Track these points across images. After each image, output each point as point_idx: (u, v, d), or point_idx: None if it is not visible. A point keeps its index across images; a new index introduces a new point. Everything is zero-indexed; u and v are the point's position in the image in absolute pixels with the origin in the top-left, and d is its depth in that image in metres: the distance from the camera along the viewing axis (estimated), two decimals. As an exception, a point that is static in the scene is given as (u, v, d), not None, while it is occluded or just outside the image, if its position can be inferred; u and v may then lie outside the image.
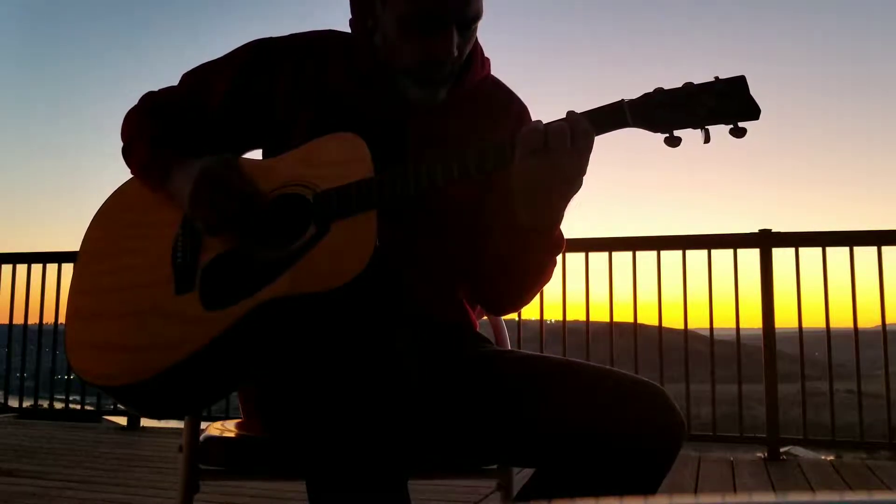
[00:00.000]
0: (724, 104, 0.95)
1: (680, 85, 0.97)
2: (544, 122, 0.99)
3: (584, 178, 0.99)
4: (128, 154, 1.20)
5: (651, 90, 0.98)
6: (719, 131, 0.96)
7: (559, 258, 1.17)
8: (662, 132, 0.97)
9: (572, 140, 0.96)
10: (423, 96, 1.14)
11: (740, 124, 0.95)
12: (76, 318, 1.12)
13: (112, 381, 1.04)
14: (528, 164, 0.98)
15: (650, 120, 0.97)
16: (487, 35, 1.26)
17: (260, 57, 1.21)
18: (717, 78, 0.96)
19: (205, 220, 1.06)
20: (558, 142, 0.96)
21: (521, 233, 1.07)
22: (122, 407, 4.62)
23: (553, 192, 1.01)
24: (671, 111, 0.96)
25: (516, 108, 1.24)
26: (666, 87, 0.98)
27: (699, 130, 0.96)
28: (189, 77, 1.24)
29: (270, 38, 1.24)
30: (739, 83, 0.95)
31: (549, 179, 0.99)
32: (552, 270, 1.16)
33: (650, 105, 0.97)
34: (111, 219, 1.19)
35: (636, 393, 0.99)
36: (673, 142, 0.96)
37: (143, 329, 1.06)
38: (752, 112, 0.95)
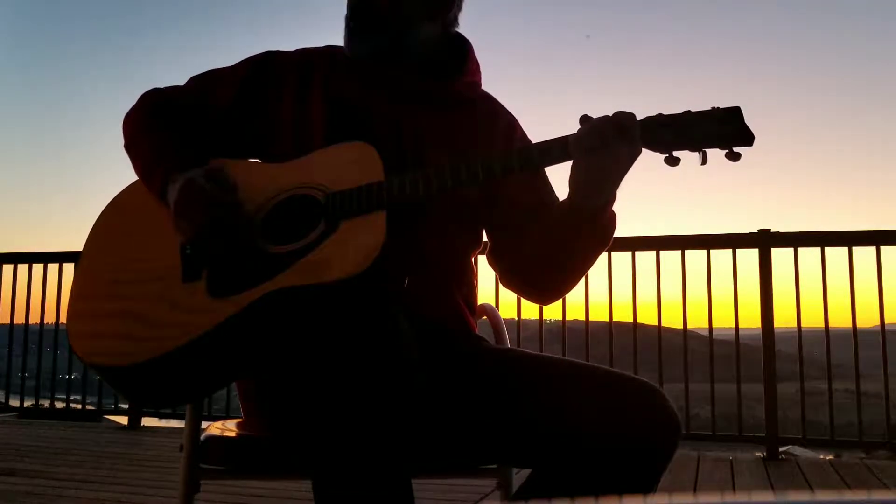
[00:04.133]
0: (720, 130, 1.01)
1: (680, 112, 1.03)
2: (561, 133, 1.05)
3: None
4: (130, 153, 1.22)
5: (653, 114, 1.04)
6: (715, 154, 1.02)
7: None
8: (662, 152, 1.03)
9: (623, 133, 1.02)
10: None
11: (735, 149, 1.01)
12: (81, 302, 1.13)
13: (113, 363, 1.04)
14: (588, 161, 1.04)
15: (652, 140, 1.03)
16: (488, 52, 1.30)
17: (267, 68, 1.25)
18: (714, 108, 1.02)
19: (186, 234, 1.08)
20: (613, 137, 1.01)
21: (578, 212, 1.11)
22: (123, 406, 4.63)
23: (614, 177, 1.07)
24: (671, 133, 1.02)
25: (506, 117, 1.30)
26: (666, 113, 1.03)
27: (697, 153, 1.02)
28: (196, 80, 1.27)
29: (278, 52, 1.29)
30: (735, 113, 1.01)
31: (609, 170, 1.05)
32: (609, 240, 1.18)
33: (652, 126, 1.03)
34: (119, 217, 1.21)
35: (632, 392, 1.00)
36: (672, 161, 1.02)
37: (146, 314, 1.06)
38: (747, 139, 1.01)
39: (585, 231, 1.13)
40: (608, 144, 1.01)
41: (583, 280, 3.90)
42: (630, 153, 1.03)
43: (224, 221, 1.07)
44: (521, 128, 1.30)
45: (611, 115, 1.02)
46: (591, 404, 0.99)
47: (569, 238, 1.14)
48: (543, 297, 1.29)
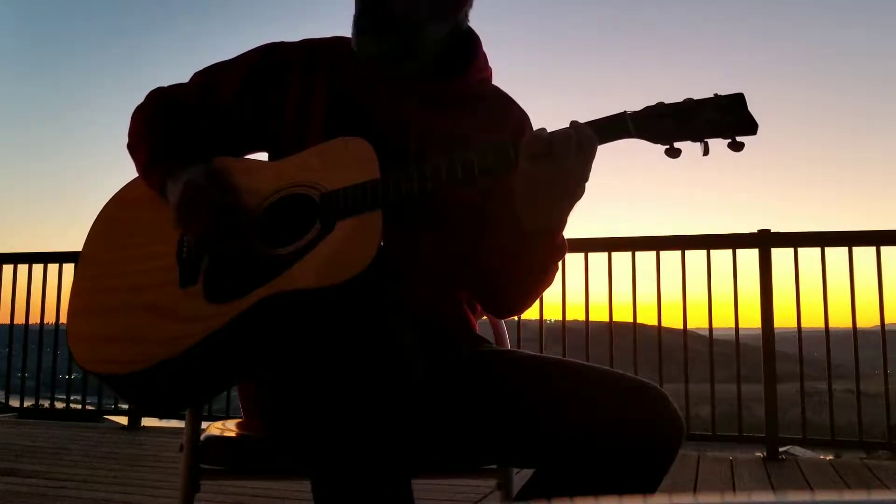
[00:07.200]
0: (723, 119, 0.98)
1: (681, 100, 1.00)
2: (548, 130, 1.01)
3: (586, 185, 1.02)
4: (132, 153, 1.22)
5: (653, 103, 1.01)
6: (718, 144, 0.99)
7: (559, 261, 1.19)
8: (663, 143, 1.00)
9: (576, 147, 0.98)
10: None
11: (738, 139, 0.98)
12: (80, 309, 1.13)
13: (113, 371, 1.05)
14: (532, 169, 1.00)
15: (651, 131, 1.00)
16: (491, 43, 1.28)
17: (272, 60, 1.24)
18: (716, 94, 0.99)
19: (193, 236, 1.08)
20: (562, 148, 0.98)
21: (523, 236, 1.08)
22: (122, 406, 4.63)
23: (555, 198, 1.03)
24: (672, 123, 0.99)
25: (517, 114, 1.26)
26: (667, 102, 1.00)
27: (698, 143, 0.99)
28: (200, 76, 1.26)
29: (283, 42, 1.26)
30: (738, 100, 0.99)
31: (551, 185, 1.01)
32: (553, 275, 1.17)
33: (652, 117, 1.00)
34: (116, 217, 1.21)
35: (636, 393, 1.00)
36: (673, 153, 0.99)
37: (145, 320, 1.07)
38: (750, 127, 0.98)
39: (535, 258, 1.11)
40: (553, 153, 0.97)
41: (583, 280, 3.94)
42: (575, 171, 0.99)
43: (226, 224, 1.07)
44: (530, 126, 1.26)
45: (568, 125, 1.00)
46: (595, 405, 0.99)
47: (519, 260, 1.12)
48: (497, 312, 1.29)
